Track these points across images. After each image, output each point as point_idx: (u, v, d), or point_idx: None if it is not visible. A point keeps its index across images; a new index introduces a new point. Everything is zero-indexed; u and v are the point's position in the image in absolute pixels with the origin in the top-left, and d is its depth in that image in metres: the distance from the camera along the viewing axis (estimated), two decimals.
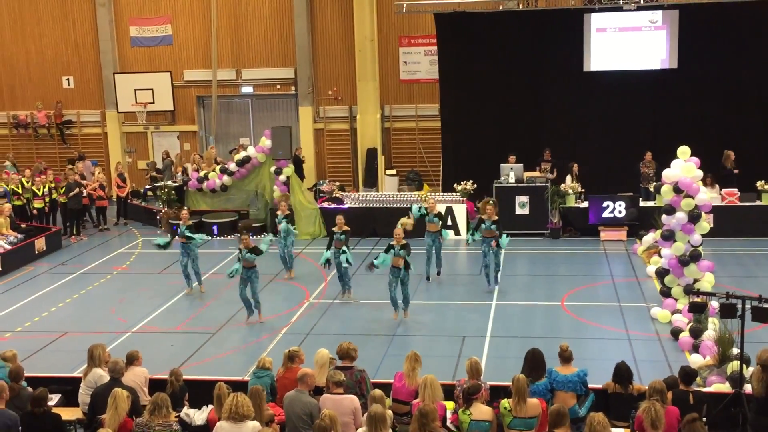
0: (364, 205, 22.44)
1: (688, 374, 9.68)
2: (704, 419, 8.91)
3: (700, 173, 15.37)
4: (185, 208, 19.11)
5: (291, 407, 9.22)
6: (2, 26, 28.50)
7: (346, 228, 16.50)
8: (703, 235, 15.31)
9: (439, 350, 13.84)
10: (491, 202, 17.01)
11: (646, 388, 9.19)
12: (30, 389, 9.68)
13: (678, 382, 9.69)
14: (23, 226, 21.83)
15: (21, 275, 19.35)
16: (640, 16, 23.28)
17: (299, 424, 9.11)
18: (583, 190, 21.48)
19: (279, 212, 18.59)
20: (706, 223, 15.31)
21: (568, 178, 21.69)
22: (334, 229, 16.67)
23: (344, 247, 16.08)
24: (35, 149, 29.12)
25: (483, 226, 16.53)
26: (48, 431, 9.09)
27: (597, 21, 23.45)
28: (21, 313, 16.59)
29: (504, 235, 16.48)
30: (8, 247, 19.95)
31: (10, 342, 14.40)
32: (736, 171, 21.49)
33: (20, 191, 22.56)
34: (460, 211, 21.41)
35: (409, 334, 14.67)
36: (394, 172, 26.34)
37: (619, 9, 23.00)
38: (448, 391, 9.73)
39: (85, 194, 23.35)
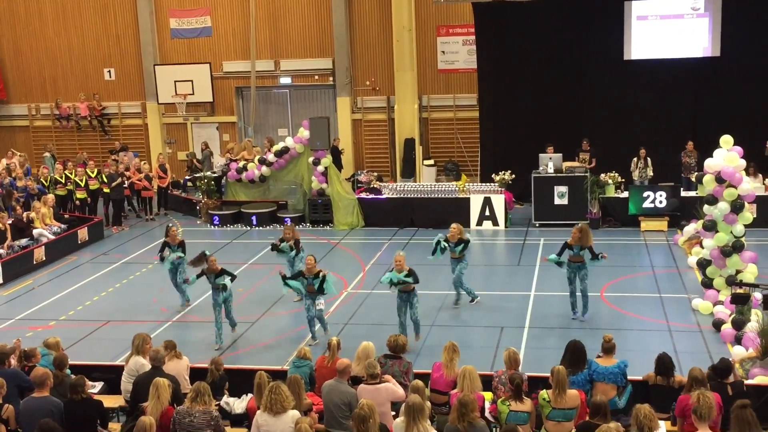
0: (401, 195, 22.48)
1: (722, 369, 9.50)
2: None
3: (743, 163, 15.15)
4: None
5: (329, 396, 9.28)
6: (45, 19, 28.89)
7: (319, 270, 13.59)
8: (746, 226, 15.11)
9: (478, 341, 13.83)
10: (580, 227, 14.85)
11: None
12: (73, 377, 9.84)
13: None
14: (66, 216, 22.20)
15: (64, 265, 19.66)
16: (681, 3, 22.91)
17: (337, 413, 9.17)
18: (650, 177, 21.52)
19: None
20: (749, 214, 15.10)
21: (635, 161, 21.65)
22: (303, 270, 13.75)
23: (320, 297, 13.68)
24: (77, 140, 29.51)
25: (571, 252, 14.57)
26: (90, 418, 9.24)
27: (638, 8, 23.15)
28: (65, 302, 16.88)
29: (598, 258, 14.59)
30: (52, 237, 20.28)
31: (54, 330, 14.68)
32: None
33: (63, 181, 22.95)
34: (498, 202, 21.32)
35: (447, 325, 14.67)
36: (431, 162, 26.28)
37: None
38: (486, 382, 9.73)
39: (126, 185, 23.63)
